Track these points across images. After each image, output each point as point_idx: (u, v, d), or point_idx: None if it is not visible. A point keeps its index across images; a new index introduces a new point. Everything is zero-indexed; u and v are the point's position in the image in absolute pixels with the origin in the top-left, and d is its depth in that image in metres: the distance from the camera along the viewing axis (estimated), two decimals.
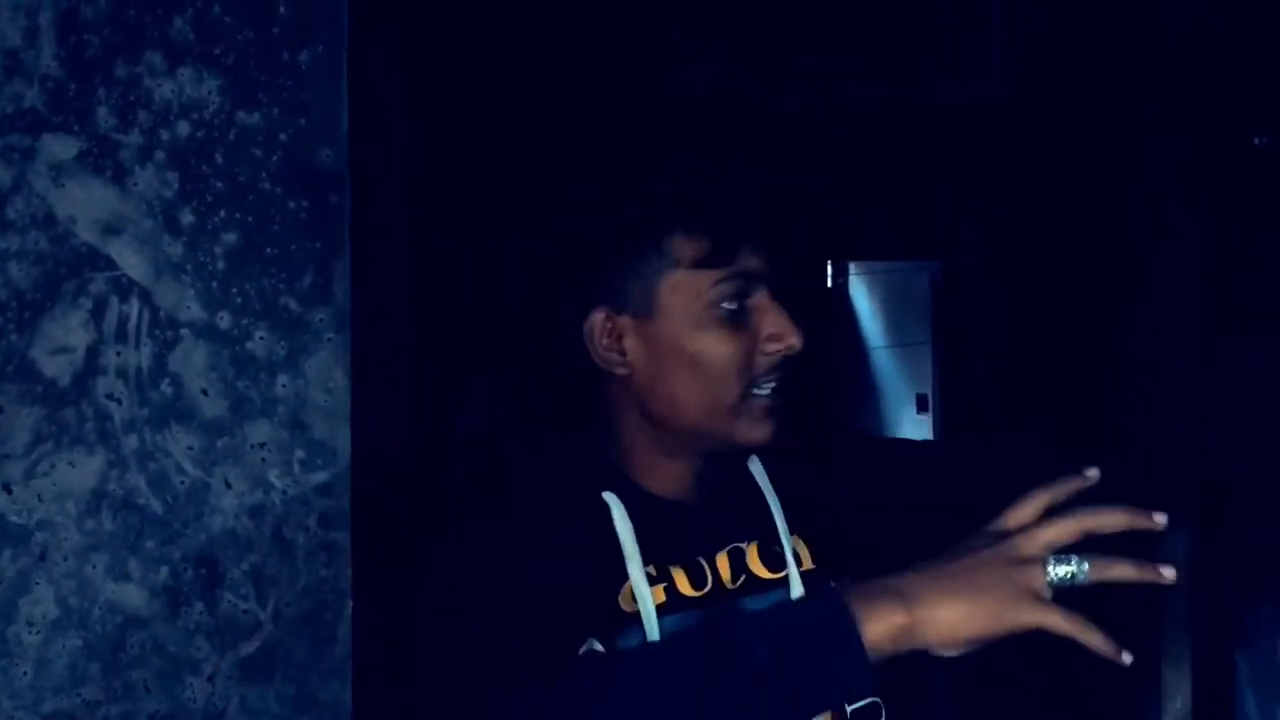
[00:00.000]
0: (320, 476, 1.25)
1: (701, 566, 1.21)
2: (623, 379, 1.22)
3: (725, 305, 1.20)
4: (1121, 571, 1.01)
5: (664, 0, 2.73)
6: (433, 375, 2.59)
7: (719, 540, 1.24)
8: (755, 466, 1.30)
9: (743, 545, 1.24)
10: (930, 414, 5.83)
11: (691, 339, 1.20)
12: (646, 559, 1.19)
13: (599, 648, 1.14)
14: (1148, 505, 1.03)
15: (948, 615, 0.98)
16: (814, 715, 1.02)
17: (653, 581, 1.18)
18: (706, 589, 1.20)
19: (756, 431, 1.22)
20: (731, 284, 1.19)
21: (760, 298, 1.22)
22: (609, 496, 1.20)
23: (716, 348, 1.20)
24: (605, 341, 1.21)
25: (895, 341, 6.96)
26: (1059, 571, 1.00)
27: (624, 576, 1.18)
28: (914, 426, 6.31)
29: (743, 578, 1.23)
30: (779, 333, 1.21)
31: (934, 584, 1.00)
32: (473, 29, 2.50)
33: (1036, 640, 1.00)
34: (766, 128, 3.16)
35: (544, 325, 1.25)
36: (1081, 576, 1.00)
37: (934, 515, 1.23)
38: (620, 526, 1.19)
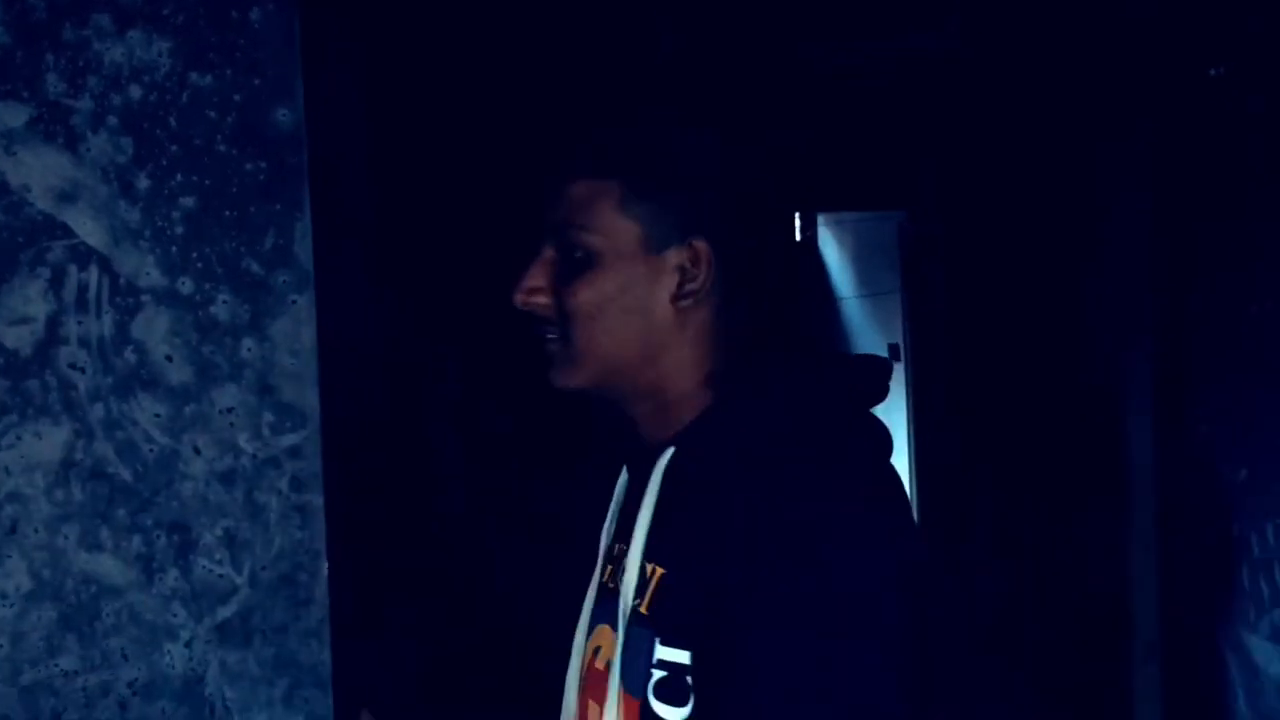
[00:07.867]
0: (290, 439, 1.25)
1: (622, 560, 1.12)
2: None
3: None
4: None
5: None
6: (402, 334, 2.58)
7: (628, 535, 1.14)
8: (656, 473, 1.11)
9: (625, 548, 1.13)
10: (903, 363, 5.82)
11: None
12: (615, 535, 1.18)
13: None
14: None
15: None
16: None
17: (609, 560, 1.17)
18: (613, 586, 1.15)
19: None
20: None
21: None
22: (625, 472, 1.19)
23: None
24: None
25: (866, 291, 6.95)
26: None
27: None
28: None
29: (612, 585, 1.16)
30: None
31: None
32: None
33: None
34: (736, 83, 3.16)
35: None
36: None
37: None
38: (612, 507, 1.18)
